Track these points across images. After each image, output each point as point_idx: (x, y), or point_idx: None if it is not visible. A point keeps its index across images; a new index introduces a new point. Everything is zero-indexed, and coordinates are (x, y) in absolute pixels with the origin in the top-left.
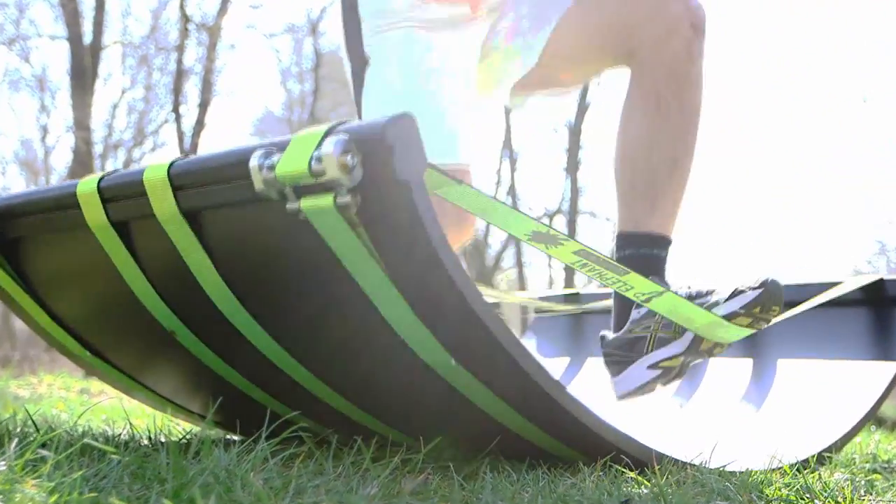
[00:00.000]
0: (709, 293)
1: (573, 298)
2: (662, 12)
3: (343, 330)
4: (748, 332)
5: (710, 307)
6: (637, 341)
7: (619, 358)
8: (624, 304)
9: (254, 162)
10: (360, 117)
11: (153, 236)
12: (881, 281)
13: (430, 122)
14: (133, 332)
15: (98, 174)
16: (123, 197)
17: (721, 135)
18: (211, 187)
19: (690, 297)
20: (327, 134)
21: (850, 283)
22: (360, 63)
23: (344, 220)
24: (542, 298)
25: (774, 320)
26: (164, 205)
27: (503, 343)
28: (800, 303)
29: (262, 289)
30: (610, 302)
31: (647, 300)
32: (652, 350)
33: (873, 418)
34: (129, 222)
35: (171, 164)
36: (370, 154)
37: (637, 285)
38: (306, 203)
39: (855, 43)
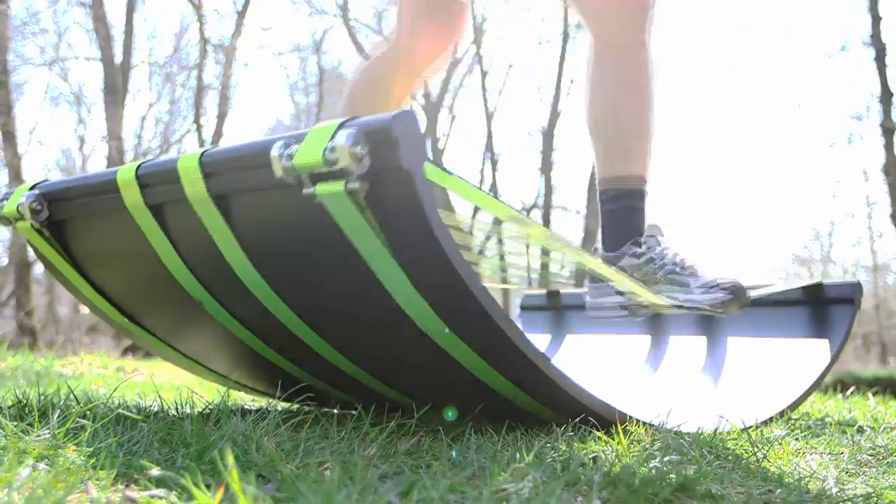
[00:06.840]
0: (689, 270)
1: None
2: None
3: (350, 300)
4: None
5: (680, 284)
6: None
7: (600, 289)
8: (619, 234)
9: (274, 152)
10: None
11: (185, 217)
12: (820, 284)
13: None
14: (166, 302)
15: (135, 162)
16: (159, 182)
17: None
18: (237, 174)
19: (674, 265)
20: (340, 127)
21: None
22: None
23: (353, 204)
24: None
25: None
26: (195, 189)
27: (491, 313)
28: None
29: (280, 263)
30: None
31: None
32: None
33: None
34: (164, 205)
35: (203, 153)
36: (378, 145)
37: (593, 265)
38: (321, 188)
39: (790, 55)
